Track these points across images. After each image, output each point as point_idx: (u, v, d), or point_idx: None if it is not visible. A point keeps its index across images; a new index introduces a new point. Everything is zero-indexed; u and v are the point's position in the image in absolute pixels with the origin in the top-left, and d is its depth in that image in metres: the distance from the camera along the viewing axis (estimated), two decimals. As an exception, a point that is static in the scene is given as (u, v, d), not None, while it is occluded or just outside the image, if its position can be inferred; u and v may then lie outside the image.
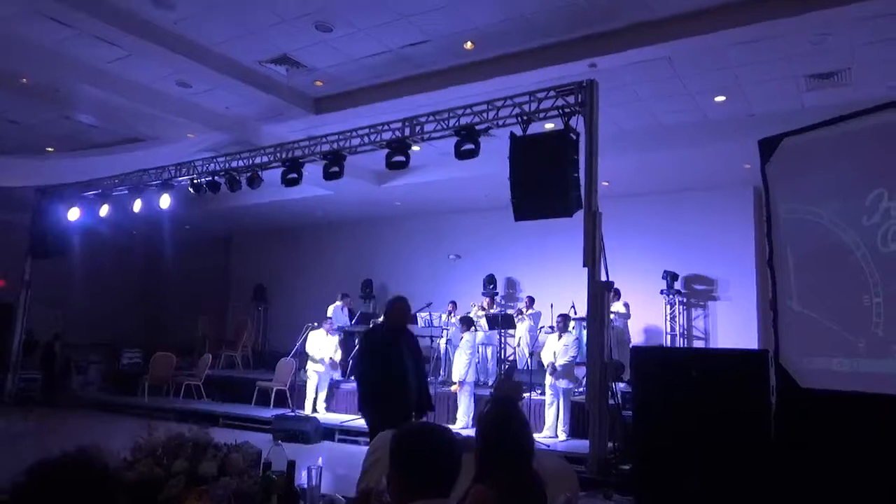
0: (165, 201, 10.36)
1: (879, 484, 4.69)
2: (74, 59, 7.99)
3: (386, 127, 8.42)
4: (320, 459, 8.17)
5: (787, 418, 5.56)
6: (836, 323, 5.25)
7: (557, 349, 8.36)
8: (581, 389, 9.31)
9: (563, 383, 8.27)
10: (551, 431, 8.25)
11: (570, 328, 8.94)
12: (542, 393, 8.60)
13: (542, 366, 8.78)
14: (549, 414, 8.36)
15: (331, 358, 10.57)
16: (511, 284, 13.53)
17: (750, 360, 6.08)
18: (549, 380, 8.41)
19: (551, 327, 8.84)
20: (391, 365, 5.25)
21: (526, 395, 8.61)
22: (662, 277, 11.41)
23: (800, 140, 5.81)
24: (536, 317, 11.31)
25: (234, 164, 9.86)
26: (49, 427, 10.28)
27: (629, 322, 10.67)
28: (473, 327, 10.45)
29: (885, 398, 4.73)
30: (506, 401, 2.40)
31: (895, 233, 4.89)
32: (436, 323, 11.10)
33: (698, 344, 11.62)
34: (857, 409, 4.92)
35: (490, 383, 11.18)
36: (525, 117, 7.41)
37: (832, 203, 5.41)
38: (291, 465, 2.35)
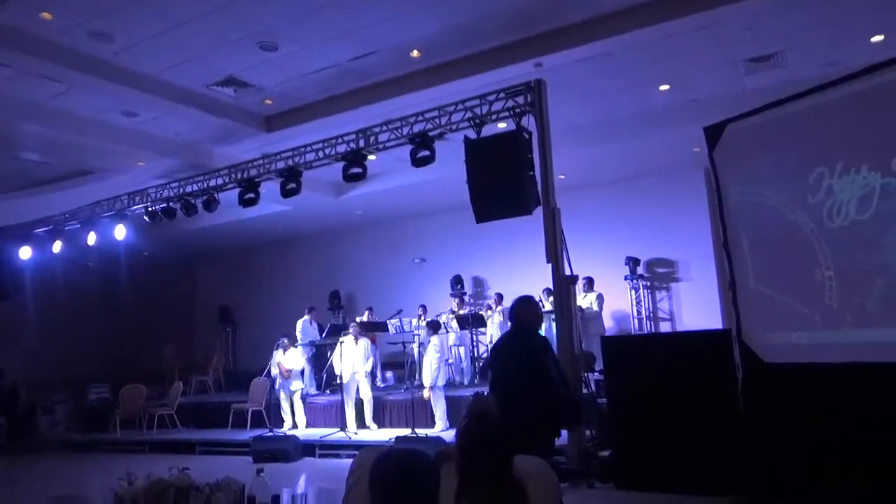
0: (121, 232, 10.17)
1: (842, 446, 4.89)
2: (14, 99, 7.80)
3: (340, 140, 8.41)
4: (303, 480, 8.16)
5: (754, 392, 5.76)
6: (792, 298, 5.45)
7: None
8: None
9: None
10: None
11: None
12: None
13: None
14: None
15: (290, 370, 10.48)
16: (479, 283, 13.63)
17: (714, 340, 6.29)
18: None
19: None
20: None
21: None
22: (625, 263, 11.64)
23: (743, 125, 6.00)
24: (505, 313, 11.41)
25: (188, 188, 9.73)
26: (18, 474, 9.99)
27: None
28: (443, 329, 10.51)
29: (842, 367, 4.93)
30: (483, 413, 2.44)
31: (839, 209, 5.09)
32: (406, 328, 11.14)
33: (664, 325, 11.90)
34: (817, 379, 5.11)
35: (465, 383, 11.28)
36: (477, 120, 7.50)
37: (779, 184, 5.60)
38: (276, 498, 2.37)
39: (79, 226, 10.72)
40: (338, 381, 10.69)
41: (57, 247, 10.91)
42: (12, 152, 9.41)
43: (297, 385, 10.53)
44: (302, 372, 11.02)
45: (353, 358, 9.71)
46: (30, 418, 13.05)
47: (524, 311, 4.62)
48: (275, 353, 10.64)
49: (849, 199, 5.05)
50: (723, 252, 6.43)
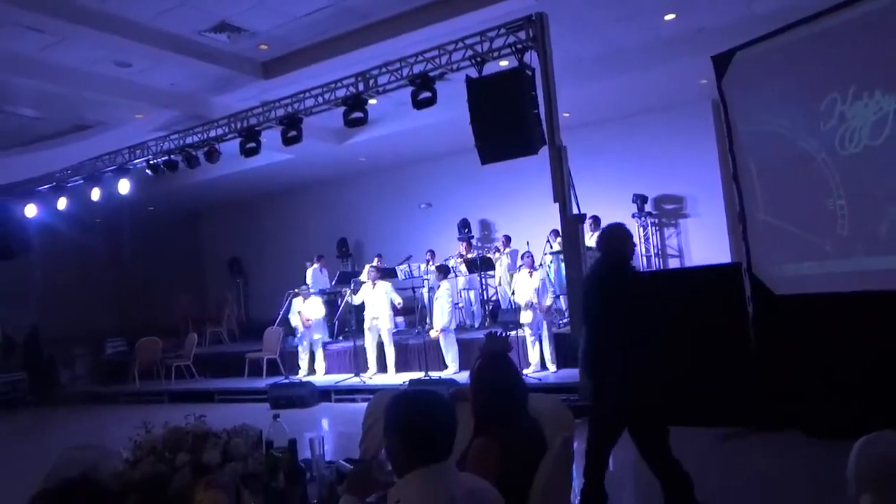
0: (124, 186, 10.12)
1: (855, 375, 4.93)
2: (2, 52, 7.62)
3: (339, 84, 8.23)
4: (325, 422, 8.35)
5: (765, 325, 5.77)
6: (803, 229, 5.39)
7: (534, 286, 8.45)
8: (564, 321, 9.51)
9: (542, 317, 8.40)
10: (537, 366, 8.44)
11: (538, 264, 9.04)
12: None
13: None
14: (534, 351, 8.52)
15: (317, 318, 10.56)
16: (486, 226, 13.59)
17: (725, 274, 6.27)
18: (525, 317, 8.51)
19: (522, 264, 8.91)
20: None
21: (512, 333, 8.76)
22: (633, 201, 11.54)
23: (751, 53, 5.83)
24: (514, 255, 11.41)
25: (188, 140, 9.61)
26: (42, 425, 10.27)
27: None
28: (452, 274, 10.54)
29: (854, 296, 4.92)
30: (495, 354, 2.45)
31: (851, 135, 4.98)
32: (415, 274, 11.17)
33: (673, 262, 11.87)
34: (829, 309, 5.11)
35: (476, 325, 11.37)
36: (478, 58, 7.29)
37: (789, 112, 5.48)
38: (293, 441, 2.40)
39: (82, 181, 10.67)
40: (348, 329, 10.84)
41: (62, 203, 10.89)
42: (7, 108, 9.28)
43: (318, 334, 10.62)
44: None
45: (373, 302, 9.72)
46: (50, 372, 13.32)
47: (614, 238, 4.12)
48: (294, 301, 10.69)
49: (861, 124, 4.93)
50: (732, 186, 6.35)
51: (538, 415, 2.52)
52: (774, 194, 5.67)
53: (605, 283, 4.03)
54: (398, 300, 9.91)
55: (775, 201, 5.67)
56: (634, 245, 4.16)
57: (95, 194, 10.46)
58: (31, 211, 11.39)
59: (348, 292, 10.73)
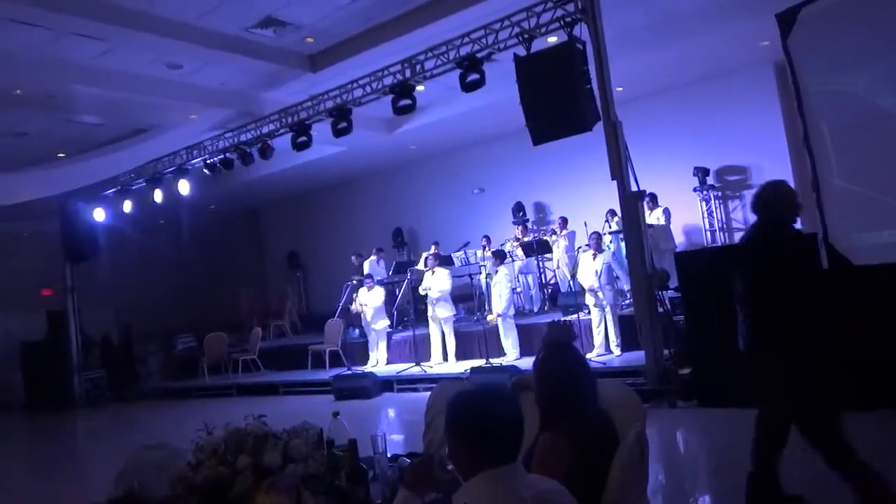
0: (184, 187, 10.39)
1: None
2: (60, 61, 7.87)
3: (386, 72, 8.18)
4: (387, 414, 8.37)
5: (842, 298, 5.42)
6: (883, 193, 5.03)
7: (597, 268, 8.18)
8: (627, 302, 9.25)
9: (607, 301, 8.16)
10: (602, 349, 8.21)
11: (604, 245, 8.76)
12: (589, 313, 8.51)
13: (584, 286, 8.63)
14: (598, 333, 8.28)
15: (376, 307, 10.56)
16: (541, 208, 13.35)
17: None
18: (590, 299, 8.28)
19: (587, 245, 8.64)
20: None
21: (573, 317, 8.58)
22: (693, 174, 11.10)
23: (819, 7, 5.45)
24: (571, 236, 11.17)
25: (241, 137, 9.77)
26: (124, 423, 10.70)
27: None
28: (508, 259, 10.37)
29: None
30: (559, 344, 2.31)
31: (938, 88, 4.59)
32: (472, 261, 11.07)
33: (739, 236, 11.36)
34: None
35: (535, 310, 11.20)
36: (526, 35, 7.10)
37: (863, 69, 5.10)
38: (353, 441, 2.34)
39: (144, 184, 11.01)
40: (407, 319, 10.83)
41: (127, 206, 11.29)
42: (68, 116, 9.60)
43: (382, 323, 10.64)
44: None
45: (433, 290, 9.65)
46: (128, 369, 13.87)
47: (779, 195, 3.64)
48: (359, 291, 10.73)
49: (949, 77, 4.54)
50: (800, 152, 5.98)
51: (607, 404, 2.39)
52: (850, 158, 5.31)
53: (768, 249, 3.62)
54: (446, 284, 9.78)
55: (851, 165, 5.30)
56: (800, 205, 3.72)
57: (158, 196, 10.79)
58: (99, 215, 11.86)
59: (405, 283, 10.68)
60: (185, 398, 11.92)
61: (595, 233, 8.77)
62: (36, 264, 13.78)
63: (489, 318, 9.18)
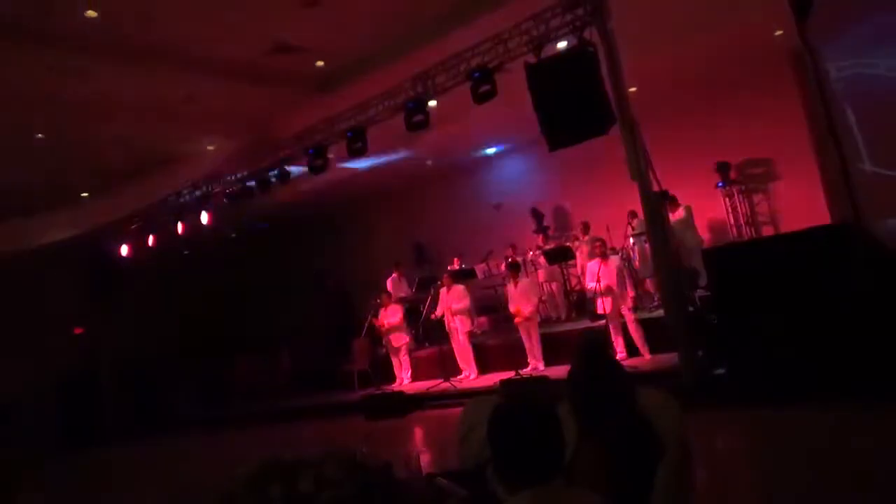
0: (205, 218, 10.48)
1: None
2: (77, 100, 7.99)
3: (398, 89, 8.19)
4: (420, 432, 8.28)
5: (883, 286, 5.25)
6: (917, 176, 4.87)
7: (606, 275, 7.96)
8: (655, 304, 9.09)
9: (624, 305, 7.97)
10: (625, 354, 8.00)
11: (619, 248, 8.58)
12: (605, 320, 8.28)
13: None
14: (618, 340, 8.07)
15: (392, 324, 10.51)
16: (561, 215, 13.23)
17: (831, 236, 5.75)
18: (604, 307, 8.04)
19: (593, 252, 8.45)
20: None
21: (601, 322, 8.42)
22: (715, 170, 10.93)
23: (835, -10, 5.33)
24: (595, 242, 11.03)
25: (259, 164, 9.83)
26: (156, 459, 10.71)
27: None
28: (532, 268, 10.26)
29: None
30: (594, 352, 2.24)
31: (966, 63, 4.44)
32: (494, 272, 10.99)
33: (766, 230, 11.15)
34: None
35: (562, 318, 11.06)
36: (535, 42, 7.06)
37: (886, 49, 4.95)
38: (388, 464, 2.27)
39: (166, 217, 11.13)
40: (431, 335, 10.76)
41: (151, 240, 11.41)
42: (88, 153, 9.75)
43: (400, 339, 10.60)
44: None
45: (450, 306, 9.64)
46: (158, 399, 13.93)
47: None
48: (380, 310, 10.71)
49: (977, 51, 4.39)
50: (822, 141, 5.83)
51: (647, 410, 2.29)
52: (880, 142, 5.15)
53: None
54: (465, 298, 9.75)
55: (881, 148, 5.14)
56: None
57: (180, 228, 10.89)
58: (125, 250, 12.01)
59: (428, 298, 10.65)
60: (216, 426, 11.92)
61: (598, 239, 8.64)
62: (68, 303, 13.96)
63: (516, 320, 9.00)
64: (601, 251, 8.20)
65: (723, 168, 10.91)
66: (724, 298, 6.18)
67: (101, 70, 7.25)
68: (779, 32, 8.82)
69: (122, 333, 13.69)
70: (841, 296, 5.36)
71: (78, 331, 14.44)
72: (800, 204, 10.47)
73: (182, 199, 10.93)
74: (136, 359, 14.41)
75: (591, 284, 8.14)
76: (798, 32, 5.70)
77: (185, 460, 9.19)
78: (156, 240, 11.52)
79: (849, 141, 5.39)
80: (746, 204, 11.33)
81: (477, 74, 7.42)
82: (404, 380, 10.49)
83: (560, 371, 7.44)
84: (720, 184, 10.98)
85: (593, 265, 8.18)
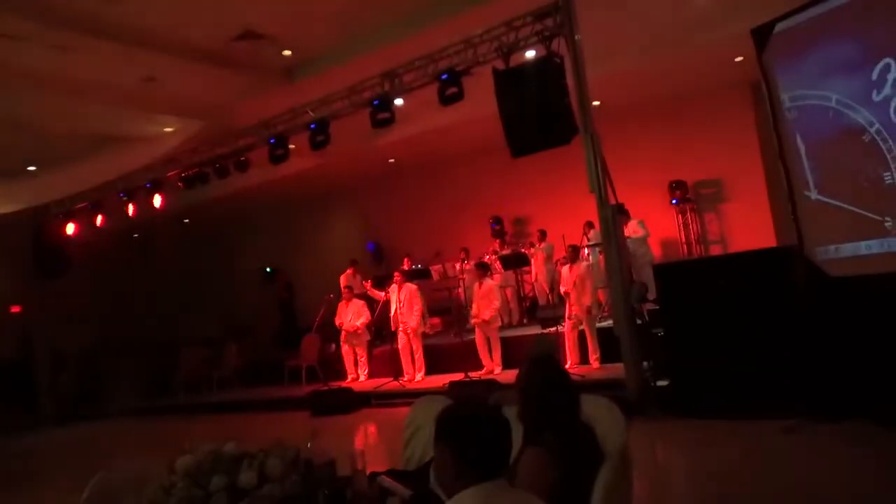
0: (158, 201, 10.21)
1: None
2: (31, 72, 7.71)
3: (364, 85, 8.15)
4: (366, 430, 8.25)
5: (820, 310, 5.47)
6: (858, 206, 5.08)
7: (572, 279, 8.17)
8: (605, 314, 9.25)
9: (584, 312, 8.14)
10: (576, 361, 8.16)
11: (580, 257, 8.76)
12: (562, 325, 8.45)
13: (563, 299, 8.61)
14: (572, 345, 8.24)
15: (362, 323, 10.44)
16: (519, 221, 13.36)
17: (775, 258, 5.98)
18: (568, 310, 8.24)
19: (565, 258, 8.65)
20: None
21: (552, 329, 8.55)
22: (671, 188, 11.21)
23: (793, 23, 5.53)
24: (550, 249, 11.20)
25: (218, 150, 9.64)
26: (85, 441, 10.40)
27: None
28: (491, 270, 10.34)
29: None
30: (543, 357, 2.28)
31: (909, 103, 4.67)
32: (450, 273, 11.02)
33: (714, 248, 11.49)
34: (891, 289, 4.80)
35: (514, 323, 11.18)
36: (505, 49, 7.13)
37: (837, 83, 5.17)
38: (332, 461, 2.27)
39: (121, 197, 10.80)
40: (386, 333, 10.72)
41: (99, 220, 11.06)
42: (37, 129, 9.40)
43: (362, 336, 10.52)
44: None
45: (399, 305, 9.64)
46: (98, 386, 13.54)
47: None
48: (339, 306, 10.61)
49: (920, 91, 4.62)
50: (773, 166, 6.05)
51: (589, 418, 2.35)
52: (825, 171, 5.36)
53: None
54: (416, 314, 9.74)
55: (827, 179, 5.36)
56: None
57: (131, 210, 10.58)
58: (70, 229, 11.59)
59: (368, 287, 10.64)
60: (158, 416, 11.65)
61: (571, 246, 8.80)
62: (5, 280, 13.44)
63: (473, 321, 9.06)
64: (570, 258, 8.39)
65: (678, 186, 11.19)
66: (672, 313, 6.34)
67: (58, 41, 6.98)
68: (739, 59, 9.11)
69: (62, 316, 13.24)
70: (782, 316, 5.57)
71: (15, 309, 13.92)
72: (749, 225, 10.84)
73: (135, 181, 10.61)
74: (76, 343, 13.97)
75: (562, 288, 8.35)
76: (757, 60, 5.88)
77: (122, 448, 8.94)
78: (104, 220, 11.17)
79: (797, 169, 5.59)
80: (698, 222, 11.65)
81: (445, 76, 7.43)
82: (360, 377, 10.43)
83: (513, 375, 7.53)
84: (674, 201, 11.26)
85: (565, 270, 8.38)
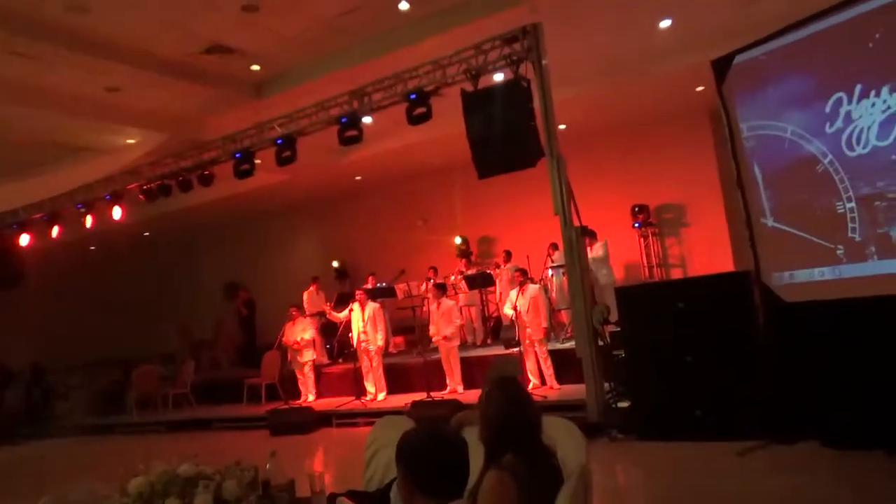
0: (117, 213, 9.98)
1: (872, 380, 4.76)
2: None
3: (333, 103, 8.14)
4: (326, 450, 8.13)
5: (776, 335, 5.61)
6: (812, 233, 5.25)
7: (522, 304, 8.16)
8: (567, 335, 9.33)
9: (535, 335, 8.14)
10: (538, 382, 8.17)
11: (537, 280, 8.79)
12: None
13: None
14: (531, 367, 8.24)
15: (305, 340, 10.30)
16: (485, 241, 13.44)
17: (733, 283, 6.11)
18: (520, 333, 8.22)
19: (517, 281, 8.61)
20: None
21: (515, 350, 8.56)
22: (633, 212, 11.43)
23: (751, 55, 5.73)
24: (515, 270, 11.25)
25: (182, 163, 9.49)
26: (39, 461, 10.02)
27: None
28: (453, 291, 10.35)
29: (869, 301, 4.77)
30: (505, 379, 2.28)
31: (859, 136, 4.85)
32: (415, 292, 11.00)
33: (675, 272, 11.73)
34: (843, 316, 4.96)
35: (477, 343, 11.19)
36: (473, 72, 7.20)
37: (793, 115, 5.36)
38: (291, 482, 2.23)
39: (75, 209, 10.52)
40: (348, 351, 10.63)
41: (55, 232, 10.75)
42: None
43: (307, 356, 10.40)
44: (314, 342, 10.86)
45: (361, 324, 9.55)
46: (46, 404, 13.09)
47: None
48: (286, 325, 10.50)
49: (869, 124, 4.82)
50: (731, 194, 6.22)
51: (550, 439, 2.36)
52: (781, 199, 5.54)
53: None
54: (380, 335, 9.66)
55: (782, 206, 5.53)
56: None
57: (89, 221, 10.32)
58: (24, 240, 11.24)
59: (328, 310, 10.54)
60: (108, 434, 11.29)
61: (519, 269, 8.83)
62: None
63: (434, 339, 9.02)
64: (520, 280, 8.38)
65: (640, 210, 11.41)
66: (633, 335, 6.43)
67: (20, 48, 6.83)
68: (700, 88, 9.38)
69: (11, 329, 12.80)
70: (739, 340, 5.70)
71: (-38, 322, 13.43)
72: (708, 250, 11.12)
73: (94, 192, 10.36)
74: (24, 358, 13.51)
75: (508, 312, 8.32)
76: (717, 90, 6.06)
77: (71, 469, 8.63)
78: (61, 232, 10.86)
79: (754, 196, 5.76)
80: (659, 246, 11.88)
81: (413, 96, 7.48)
82: (308, 397, 10.29)
83: (475, 395, 7.51)
84: (637, 224, 11.47)
85: (513, 293, 8.35)
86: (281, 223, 15.71)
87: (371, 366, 9.53)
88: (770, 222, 5.61)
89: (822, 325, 5.12)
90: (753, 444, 5.35)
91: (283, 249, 15.67)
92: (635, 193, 11.46)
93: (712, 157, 11.08)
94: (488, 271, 11.12)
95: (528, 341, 8.14)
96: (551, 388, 8.05)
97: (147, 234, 15.07)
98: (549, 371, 8.13)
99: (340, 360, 11.36)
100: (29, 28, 6.51)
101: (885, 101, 4.68)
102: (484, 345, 11.09)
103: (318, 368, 10.76)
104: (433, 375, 9.06)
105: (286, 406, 9.71)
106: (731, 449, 5.32)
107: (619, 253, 11.12)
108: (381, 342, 9.50)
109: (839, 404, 5.00)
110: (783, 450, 5.25)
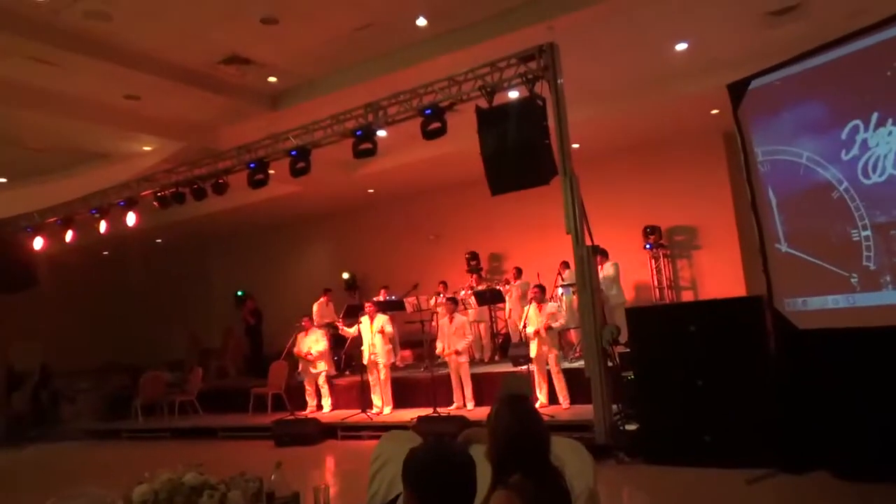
0: (132, 219, 10.05)
1: (885, 410, 4.69)
2: (11, 84, 7.63)
3: (348, 115, 8.19)
4: (331, 462, 8.09)
5: (788, 362, 5.55)
6: (826, 261, 5.21)
7: (539, 321, 8.14)
8: (576, 354, 9.27)
9: (551, 352, 8.11)
10: (546, 401, 8.13)
11: (548, 298, 8.77)
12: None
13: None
14: (541, 386, 8.20)
15: (319, 352, 10.31)
16: (496, 258, 13.43)
17: (745, 307, 6.06)
18: (534, 350, 8.20)
19: (533, 298, 8.61)
20: None
21: (523, 368, 8.51)
22: (645, 233, 11.38)
23: (768, 80, 5.72)
24: (525, 287, 11.22)
25: (196, 171, 9.57)
26: (45, 464, 10.04)
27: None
28: (463, 306, 10.32)
29: (884, 331, 4.71)
30: (515, 397, 2.26)
31: (875, 164, 4.82)
32: (424, 306, 10.98)
33: (686, 294, 11.65)
34: (856, 345, 4.90)
35: (486, 360, 11.14)
36: (489, 89, 7.24)
37: (808, 141, 5.34)
38: (296, 495, 2.22)
39: (92, 213, 10.61)
40: (355, 363, 10.61)
41: (69, 236, 10.83)
42: (13, 140, 9.27)
43: (321, 367, 10.39)
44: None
45: (370, 336, 9.54)
46: (54, 408, 13.14)
47: None
48: (297, 335, 10.50)
49: (886, 152, 4.79)
50: (744, 217, 6.18)
51: (558, 460, 2.33)
52: (795, 225, 5.50)
53: None
54: (389, 329, 9.71)
55: (796, 232, 5.49)
56: None
57: (102, 227, 10.40)
58: (38, 244, 11.34)
59: (341, 326, 10.55)
60: (115, 439, 11.30)
61: (538, 285, 8.81)
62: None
63: (443, 355, 9.01)
64: (538, 296, 8.36)
65: (652, 231, 11.37)
66: (643, 357, 6.38)
67: (41, 54, 6.93)
68: (715, 111, 9.37)
69: (21, 331, 12.87)
70: (750, 365, 5.63)
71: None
72: (719, 273, 11.04)
73: (109, 198, 10.45)
74: (33, 361, 13.57)
75: (530, 330, 8.25)
76: (733, 114, 6.05)
77: (76, 473, 8.63)
78: (75, 236, 10.95)
79: (768, 221, 5.73)
80: (670, 268, 11.82)
81: (428, 111, 7.51)
82: (324, 408, 10.26)
83: (484, 412, 7.46)
84: (648, 245, 11.42)
85: (532, 310, 8.33)
86: (293, 234, 15.77)
87: (379, 378, 9.50)
88: (784, 248, 5.58)
89: (834, 353, 5.06)
90: (762, 472, 5.27)
91: (294, 260, 15.73)
92: (647, 214, 11.42)
93: (726, 181, 11.04)
94: (498, 287, 11.10)
95: (540, 358, 8.13)
96: (563, 406, 8.00)
97: (159, 240, 15.17)
98: (562, 389, 8.10)
99: (347, 373, 11.34)
100: (50, 35, 6.61)
101: (902, 130, 4.65)
102: (491, 361, 11.04)
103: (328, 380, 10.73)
104: (440, 390, 9.02)
105: (292, 417, 9.69)
106: (740, 476, 5.24)
107: (629, 273, 11.07)
108: (389, 356, 9.47)
109: (851, 435, 4.92)
110: (792, 479, 5.17)
